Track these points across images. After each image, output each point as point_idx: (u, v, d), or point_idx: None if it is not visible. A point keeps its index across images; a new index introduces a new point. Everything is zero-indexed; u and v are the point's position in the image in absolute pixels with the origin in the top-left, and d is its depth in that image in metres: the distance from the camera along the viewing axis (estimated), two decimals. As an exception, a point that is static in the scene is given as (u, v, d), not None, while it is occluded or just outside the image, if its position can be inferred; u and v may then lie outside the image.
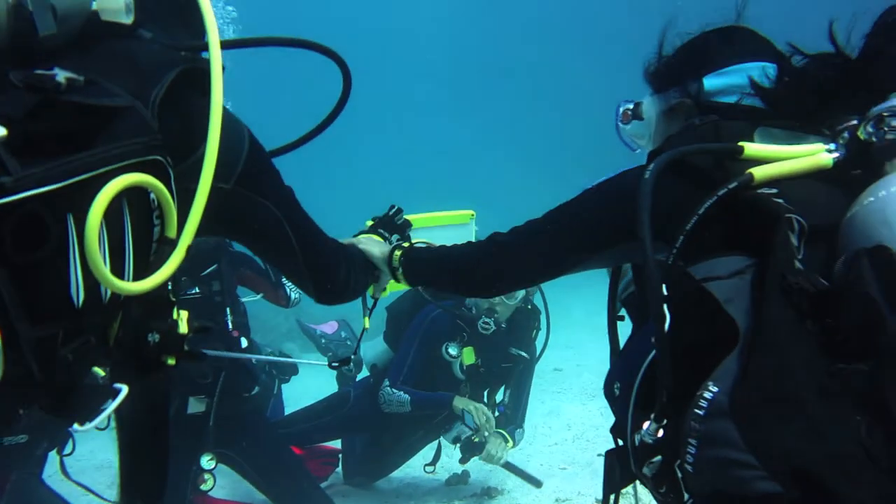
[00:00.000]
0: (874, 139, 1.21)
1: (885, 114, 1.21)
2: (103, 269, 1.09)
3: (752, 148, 1.30)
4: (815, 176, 1.27)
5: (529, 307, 4.10)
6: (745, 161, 1.29)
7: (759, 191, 1.24)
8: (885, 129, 1.20)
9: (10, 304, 1.02)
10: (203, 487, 3.28)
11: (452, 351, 3.92)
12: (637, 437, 1.23)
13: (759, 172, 1.25)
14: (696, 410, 1.09)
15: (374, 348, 4.49)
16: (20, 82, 1.09)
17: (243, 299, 3.73)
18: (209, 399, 3.42)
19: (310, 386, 5.20)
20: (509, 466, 4.00)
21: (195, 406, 3.42)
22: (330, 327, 5.04)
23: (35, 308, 1.06)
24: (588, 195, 1.53)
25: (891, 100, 1.23)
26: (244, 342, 3.53)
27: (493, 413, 4.09)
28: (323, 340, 5.13)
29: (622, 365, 1.40)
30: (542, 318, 4.15)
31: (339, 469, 4.29)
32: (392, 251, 1.90)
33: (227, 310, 3.53)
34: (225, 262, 3.60)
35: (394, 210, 2.12)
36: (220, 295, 3.54)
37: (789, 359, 1.05)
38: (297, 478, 3.62)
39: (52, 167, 1.04)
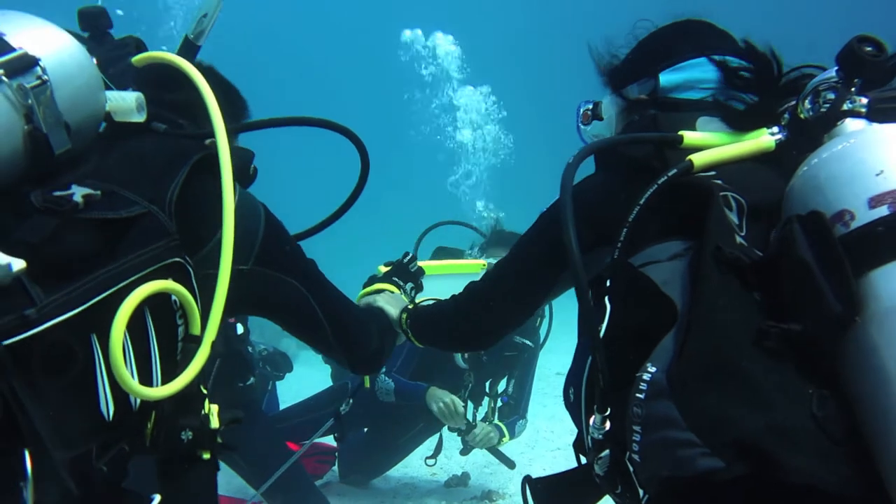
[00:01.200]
0: (811, 115, 1.21)
1: (820, 88, 1.20)
2: (131, 381, 1.14)
3: (691, 136, 1.29)
4: (759, 160, 1.26)
5: None
6: (686, 150, 1.27)
7: (700, 174, 1.23)
8: (820, 102, 1.19)
9: (41, 430, 1.05)
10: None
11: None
12: (588, 438, 1.21)
13: (698, 159, 1.23)
14: (637, 395, 1.06)
15: None
16: (40, 205, 1.14)
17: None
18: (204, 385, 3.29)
19: (303, 378, 5.06)
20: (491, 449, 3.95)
21: None
22: None
23: (67, 430, 1.09)
24: (540, 217, 1.54)
25: (827, 71, 1.22)
26: (240, 328, 3.40)
27: (497, 403, 4.04)
28: None
29: (573, 368, 1.36)
30: (546, 306, 4.01)
31: (336, 468, 4.17)
32: (400, 314, 1.92)
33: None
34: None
35: (408, 258, 2.13)
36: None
37: (727, 328, 1.02)
38: (291, 474, 3.50)
39: (73, 290, 1.09)
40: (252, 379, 3.49)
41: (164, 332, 1.23)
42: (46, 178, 1.20)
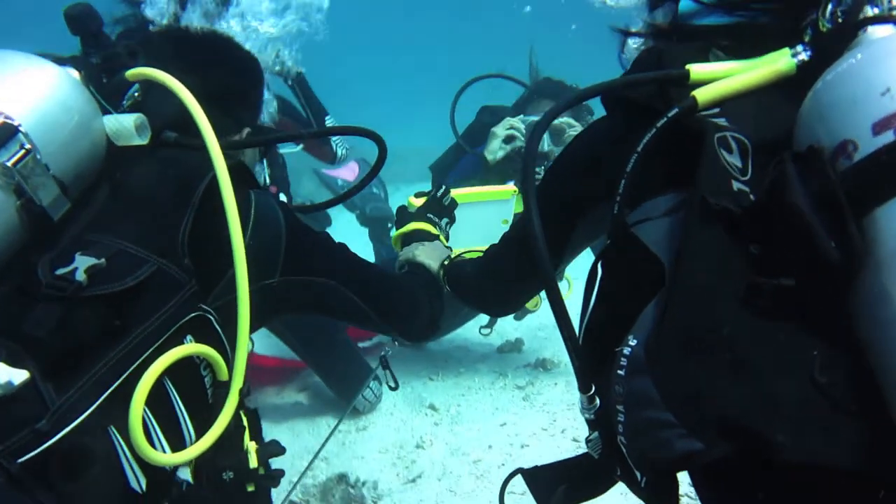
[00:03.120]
0: (827, 24, 1.04)
1: None
2: (156, 455, 1.14)
3: (699, 70, 1.11)
4: (781, 87, 1.07)
5: None
6: (696, 86, 1.10)
7: (702, 113, 1.06)
8: (840, 12, 1.03)
9: None
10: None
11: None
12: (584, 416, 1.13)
13: (703, 94, 1.07)
14: (618, 371, 0.97)
15: None
16: (44, 288, 1.11)
17: (281, 150, 3.37)
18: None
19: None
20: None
21: None
22: (350, 171, 4.62)
23: None
24: (550, 170, 1.40)
25: None
26: (283, 198, 3.22)
27: None
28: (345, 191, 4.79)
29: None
30: None
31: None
32: (439, 269, 1.86)
33: (265, 161, 3.19)
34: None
35: (441, 191, 2.05)
36: None
37: (710, 290, 0.91)
38: (336, 343, 3.44)
39: (85, 383, 1.08)
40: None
41: (189, 391, 1.22)
42: (50, 238, 1.18)
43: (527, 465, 1.33)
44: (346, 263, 1.61)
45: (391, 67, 19.06)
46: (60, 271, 1.12)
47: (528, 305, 3.83)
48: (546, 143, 3.44)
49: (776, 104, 1.06)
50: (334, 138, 3.50)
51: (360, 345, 3.92)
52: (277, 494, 2.97)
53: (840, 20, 1.03)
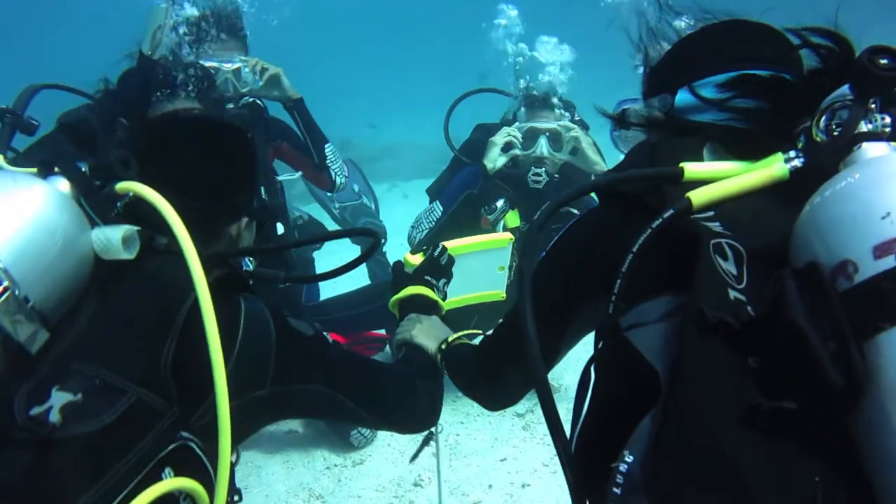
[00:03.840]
0: (823, 136, 1.06)
1: (835, 105, 1.05)
2: None
3: (693, 169, 1.13)
4: (774, 192, 1.09)
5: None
6: (689, 185, 1.11)
7: (696, 216, 1.07)
8: (834, 124, 1.05)
9: None
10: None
11: (501, 207, 3.44)
12: None
13: (697, 196, 1.07)
14: (614, 489, 0.94)
15: None
16: (17, 431, 1.08)
17: (279, 177, 3.27)
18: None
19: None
20: None
21: None
22: None
23: None
24: (542, 267, 1.36)
25: (843, 87, 1.06)
26: (280, 228, 3.13)
27: None
28: (336, 206, 4.66)
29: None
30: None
31: (388, 349, 4.03)
32: (437, 351, 1.78)
33: (262, 189, 3.10)
34: (258, 132, 3.12)
35: (438, 251, 1.97)
36: None
37: (709, 409, 0.89)
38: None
39: None
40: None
41: None
42: (28, 365, 1.15)
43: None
44: (339, 368, 1.56)
45: (389, 62, 18.92)
46: (35, 411, 1.10)
47: None
48: (545, 148, 3.39)
49: (769, 209, 1.07)
50: (333, 166, 3.40)
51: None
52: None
53: (835, 133, 1.03)
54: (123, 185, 1.34)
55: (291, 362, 1.43)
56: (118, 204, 1.34)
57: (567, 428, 1.12)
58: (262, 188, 3.08)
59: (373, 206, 4.75)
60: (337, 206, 4.72)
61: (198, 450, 1.22)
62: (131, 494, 1.10)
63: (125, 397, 1.15)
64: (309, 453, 3.38)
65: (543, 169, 3.39)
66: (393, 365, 1.85)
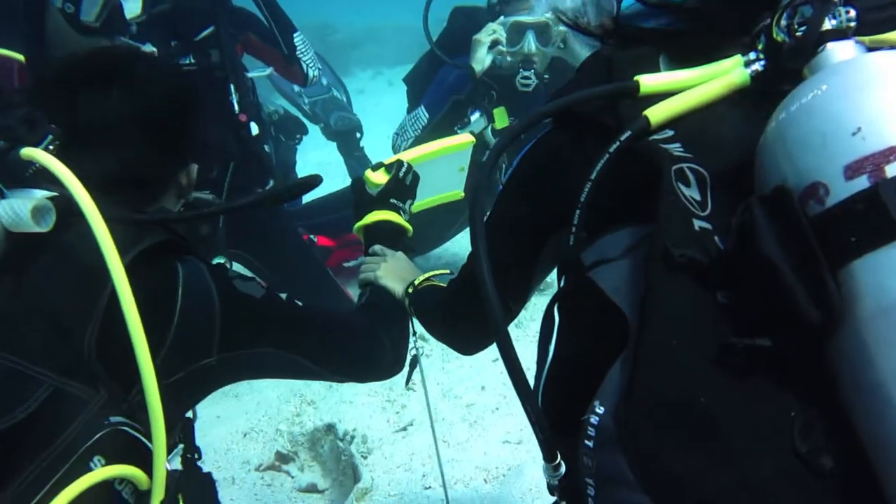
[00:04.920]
0: (785, 37, 0.98)
1: (796, 2, 0.97)
2: None
3: (649, 81, 1.05)
4: (734, 101, 1.02)
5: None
6: (646, 99, 1.04)
7: (655, 137, 1.01)
8: (797, 23, 0.97)
9: None
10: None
11: (476, 126, 3.25)
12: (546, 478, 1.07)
13: (655, 113, 1.01)
14: (586, 441, 0.92)
15: None
16: None
17: (250, 74, 3.05)
18: (217, 196, 2.93)
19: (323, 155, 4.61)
20: None
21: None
22: None
23: None
24: (499, 202, 1.31)
25: None
26: (254, 128, 2.94)
27: None
28: (306, 101, 4.40)
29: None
30: None
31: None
32: (405, 293, 1.70)
33: (232, 87, 2.89)
34: (223, 24, 2.87)
35: (404, 169, 1.86)
36: (222, 68, 2.87)
37: (681, 352, 0.87)
38: (316, 279, 3.27)
39: None
40: (272, 182, 3.12)
41: None
42: None
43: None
44: (293, 328, 1.47)
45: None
46: None
47: None
48: (532, 44, 3.17)
49: (730, 123, 1.01)
50: (304, 57, 3.17)
51: (345, 264, 3.77)
52: (265, 443, 2.92)
53: (797, 33, 0.96)
54: (26, 153, 1.21)
55: (239, 327, 1.34)
56: (29, 169, 1.22)
57: (531, 376, 1.06)
58: (232, 86, 2.86)
59: (344, 99, 4.50)
60: (307, 101, 4.47)
61: (134, 431, 1.15)
62: (53, 491, 1.04)
63: (41, 388, 1.09)
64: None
65: (532, 71, 3.17)
66: (353, 315, 1.75)
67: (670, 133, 1.00)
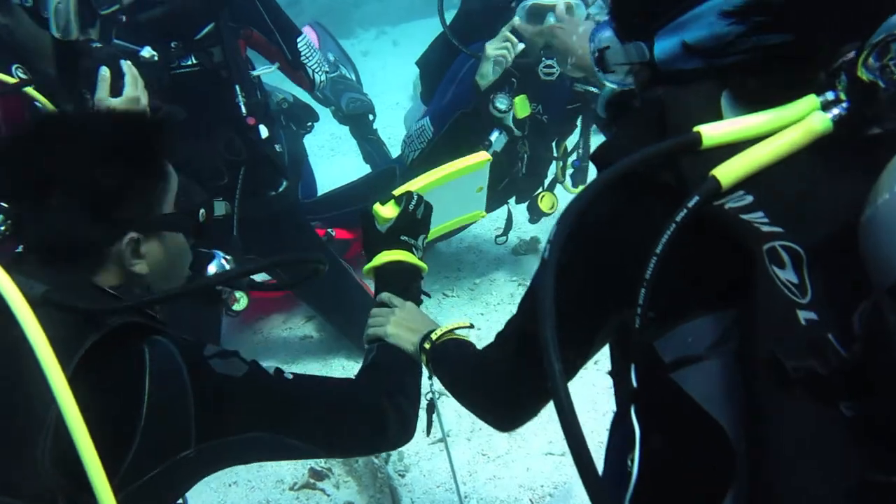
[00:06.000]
0: (880, 81, 0.84)
1: (889, 39, 0.82)
2: None
3: (712, 133, 0.91)
4: (813, 150, 0.89)
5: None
6: (709, 153, 0.91)
7: (729, 203, 0.88)
8: (893, 64, 0.82)
9: None
10: (235, 307, 2.78)
11: (501, 105, 3.03)
12: None
13: (725, 173, 0.88)
14: None
15: (414, 113, 3.73)
16: None
17: (254, 72, 2.85)
18: (228, 202, 2.78)
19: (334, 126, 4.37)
20: None
21: (218, 208, 2.79)
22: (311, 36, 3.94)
23: None
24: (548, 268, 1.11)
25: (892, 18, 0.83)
26: (264, 131, 2.76)
27: (569, 169, 3.51)
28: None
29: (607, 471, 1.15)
30: None
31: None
32: (420, 347, 1.51)
33: (237, 88, 2.71)
34: (224, 20, 2.67)
35: (413, 202, 1.69)
36: (225, 68, 2.69)
37: (810, 489, 0.76)
38: (332, 275, 3.13)
39: None
40: (284, 184, 2.96)
41: None
42: None
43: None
44: (282, 406, 1.33)
45: None
46: None
47: (544, 208, 3.55)
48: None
49: (816, 180, 0.89)
50: (310, 62, 2.96)
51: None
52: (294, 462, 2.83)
53: (894, 75, 0.83)
54: None
55: (219, 414, 1.22)
56: None
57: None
58: (238, 86, 2.67)
59: (353, 77, 4.26)
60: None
61: None
62: None
63: None
64: (326, 362, 3.24)
65: (554, 59, 2.93)
66: (355, 382, 1.57)
67: (749, 199, 0.88)
